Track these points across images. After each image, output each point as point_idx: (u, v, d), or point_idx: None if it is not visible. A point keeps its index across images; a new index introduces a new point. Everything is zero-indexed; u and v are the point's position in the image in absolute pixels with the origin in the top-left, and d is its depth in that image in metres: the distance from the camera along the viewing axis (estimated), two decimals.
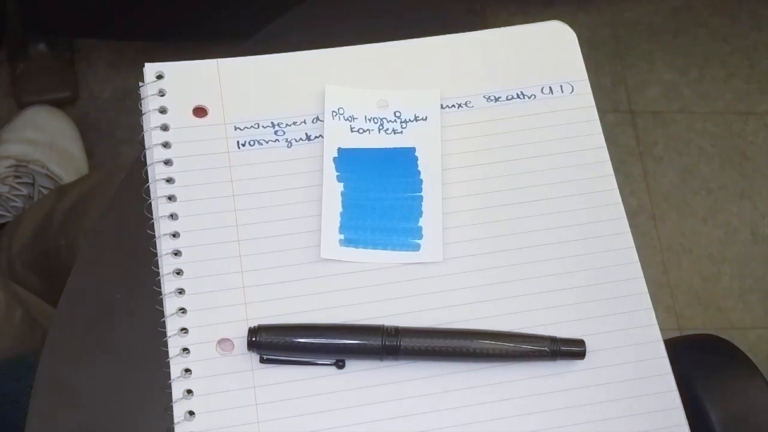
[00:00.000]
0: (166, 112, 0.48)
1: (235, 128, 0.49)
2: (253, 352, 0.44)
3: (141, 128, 0.48)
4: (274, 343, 0.44)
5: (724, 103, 1.33)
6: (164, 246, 0.46)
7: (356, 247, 0.47)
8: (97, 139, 1.13)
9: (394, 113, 0.49)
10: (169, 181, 0.47)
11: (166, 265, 0.46)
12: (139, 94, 0.49)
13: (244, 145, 0.48)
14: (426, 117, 0.49)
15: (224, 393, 0.44)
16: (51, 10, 1.07)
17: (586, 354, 0.45)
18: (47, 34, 1.13)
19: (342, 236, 0.47)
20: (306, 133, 0.49)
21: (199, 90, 0.49)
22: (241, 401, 0.44)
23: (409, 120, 0.49)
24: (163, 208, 0.46)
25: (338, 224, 0.47)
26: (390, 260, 0.47)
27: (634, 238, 0.48)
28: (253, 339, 0.44)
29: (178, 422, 0.43)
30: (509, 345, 0.44)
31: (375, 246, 0.47)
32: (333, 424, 0.44)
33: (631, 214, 0.48)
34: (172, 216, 0.46)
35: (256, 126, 0.49)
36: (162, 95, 0.48)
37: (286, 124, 0.49)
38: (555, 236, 0.48)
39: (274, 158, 0.48)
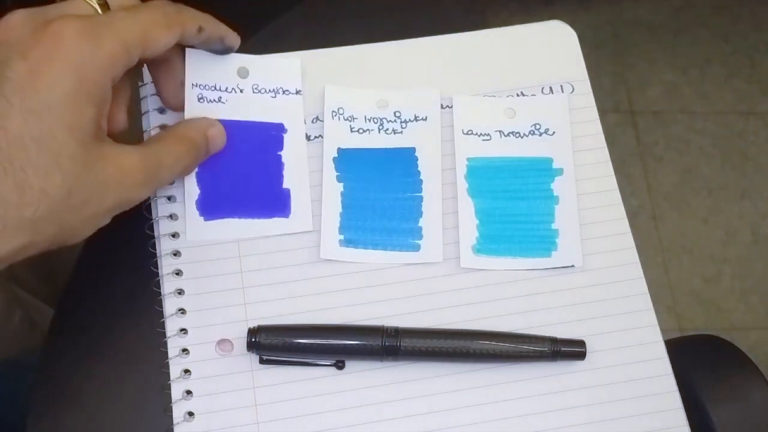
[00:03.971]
0: (165, 113, 0.48)
1: None
2: (253, 352, 0.44)
3: (140, 128, 0.48)
4: (273, 344, 0.44)
5: (724, 103, 1.34)
6: (164, 246, 0.46)
7: (356, 247, 0.47)
8: None
9: (394, 113, 0.49)
10: None
11: (166, 265, 0.46)
12: (139, 94, 0.49)
13: None
14: (426, 117, 0.49)
15: (224, 394, 0.44)
16: None
17: (587, 354, 0.45)
18: None
19: (342, 236, 0.47)
20: (306, 133, 0.49)
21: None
22: (240, 402, 0.44)
23: (409, 120, 0.49)
24: (162, 208, 0.46)
25: (338, 224, 0.47)
26: (390, 260, 0.47)
27: (634, 239, 0.48)
28: (253, 340, 0.44)
29: (178, 423, 0.43)
30: (509, 346, 0.44)
31: (375, 246, 0.47)
32: (333, 425, 0.44)
33: (632, 215, 0.48)
34: (172, 216, 0.46)
35: None
36: None
37: None
38: None
39: None
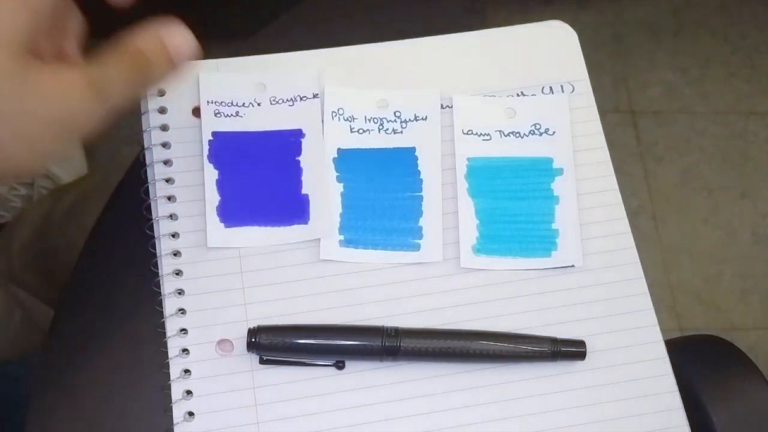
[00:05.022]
0: (165, 112, 0.48)
1: None
2: (253, 353, 0.44)
3: (140, 128, 0.48)
4: (273, 344, 0.44)
5: (725, 103, 1.33)
6: (164, 246, 0.46)
7: (356, 247, 0.47)
8: (96, 139, 1.13)
9: (394, 113, 0.49)
10: (169, 181, 0.47)
11: (166, 265, 0.46)
12: None
13: None
14: (426, 117, 0.49)
15: (224, 394, 0.44)
16: None
17: (587, 355, 0.45)
18: None
19: (342, 237, 0.47)
20: None
21: (198, 90, 0.49)
22: (240, 402, 0.44)
23: (409, 120, 0.49)
24: (162, 208, 0.46)
25: (338, 225, 0.47)
26: (390, 260, 0.47)
27: (634, 239, 0.48)
28: (253, 340, 0.44)
29: (178, 423, 0.43)
30: (510, 346, 0.44)
31: (375, 246, 0.47)
32: (333, 425, 0.44)
33: (632, 215, 0.48)
34: (172, 216, 0.46)
35: None
36: (161, 95, 0.48)
37: None
38: None
39: None
